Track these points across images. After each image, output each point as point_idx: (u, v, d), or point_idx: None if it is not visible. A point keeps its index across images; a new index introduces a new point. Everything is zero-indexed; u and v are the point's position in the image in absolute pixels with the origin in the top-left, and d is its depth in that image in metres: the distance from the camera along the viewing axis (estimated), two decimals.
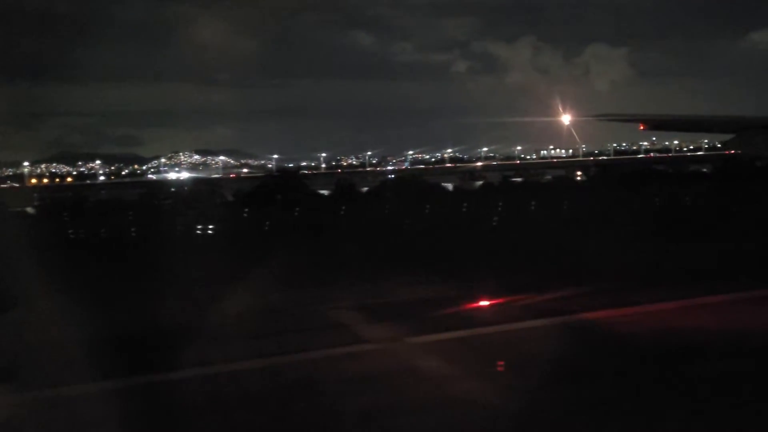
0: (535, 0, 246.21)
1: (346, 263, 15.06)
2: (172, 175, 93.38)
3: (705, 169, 50.56)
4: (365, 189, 41.28)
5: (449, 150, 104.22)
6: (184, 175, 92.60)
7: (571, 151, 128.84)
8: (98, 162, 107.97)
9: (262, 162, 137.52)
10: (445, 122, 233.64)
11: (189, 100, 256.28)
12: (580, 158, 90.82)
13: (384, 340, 9.34)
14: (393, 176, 78.65)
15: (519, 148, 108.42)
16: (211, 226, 22.51)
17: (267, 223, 23.62)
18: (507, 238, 19.62)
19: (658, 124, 15.79)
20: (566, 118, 15.80)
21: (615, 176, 43.27)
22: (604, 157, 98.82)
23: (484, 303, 11.42)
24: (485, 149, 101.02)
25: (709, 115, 16.11)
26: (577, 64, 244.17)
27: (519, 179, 53.88)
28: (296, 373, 8.08)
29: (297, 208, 28.34)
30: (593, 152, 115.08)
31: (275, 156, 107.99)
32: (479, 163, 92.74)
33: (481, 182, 52.21)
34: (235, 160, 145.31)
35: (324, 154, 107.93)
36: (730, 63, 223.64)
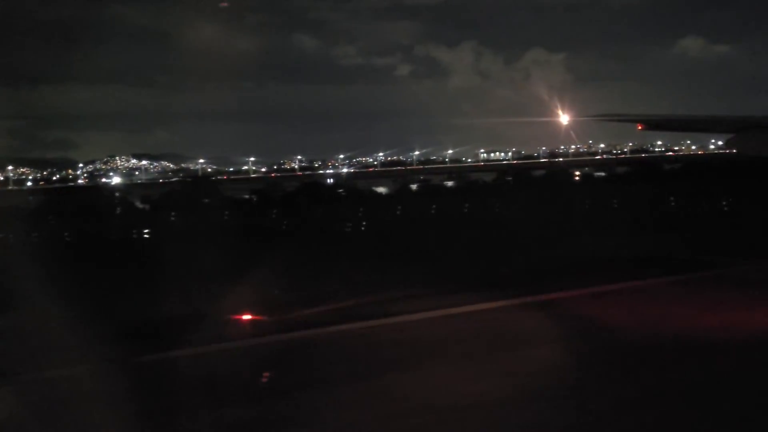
0: (475, 5, 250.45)
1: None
2: (103, 180, 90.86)
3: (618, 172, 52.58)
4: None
5: (380, 153, 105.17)
6: (116, 180, 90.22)
7: (510, 153, 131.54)
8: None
9: (204, 166, 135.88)
10: (391, 125, 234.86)
11: (128, 103, 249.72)
12: (515, 161, 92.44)
13: None
14: (331, 180, 78.87)
15: (453, 150, 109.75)
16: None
17: (141, 231, 23.34)
18: (367, 242, 20.00)
19: (657, 124, 15.80)
20: (564, 119, 15.51)
21: (526, 179, 44.68)
22: (544, 160, 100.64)
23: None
24: (418, 152, 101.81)
25: (708, 115, 16.16)
26: (517, 69, 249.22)
27: (450, 182, 54.84)
28: None
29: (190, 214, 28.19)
30: (532, 155, 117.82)
31: (201, 160, 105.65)
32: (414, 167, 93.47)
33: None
34: (176, 165, 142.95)
35: (252, 159, 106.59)
36: (663, 68, 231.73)
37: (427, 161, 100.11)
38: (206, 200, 34.64)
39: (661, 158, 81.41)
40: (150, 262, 16.26)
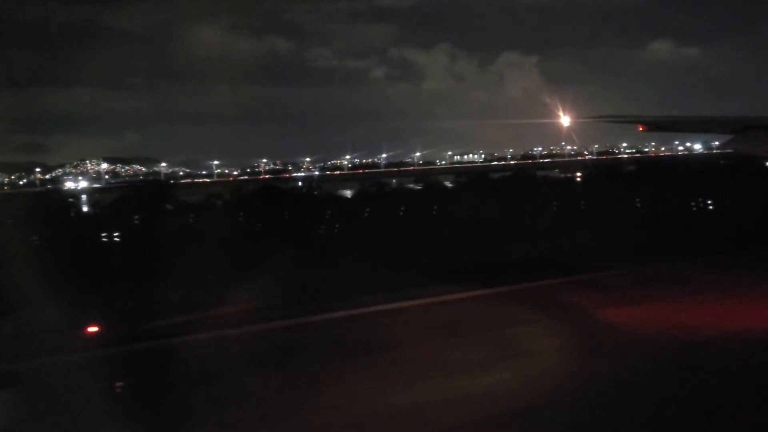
0: (450, 8, 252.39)
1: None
2: (70, 185, 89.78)
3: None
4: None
5: (348, 156, 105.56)
6: (83, 184, 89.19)
7: (484, 156, 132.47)
8: None
9: (175, 169, 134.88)
10: (366, 128, 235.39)
11: (100, 106, 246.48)
12: (483, 163, 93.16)
13: None
14: (301, 183, 78.64)
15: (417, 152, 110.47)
16: None
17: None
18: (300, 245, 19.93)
19: (658, 125, 15.77)
20: (566, 120, 15.51)
21: (484, 182, 44.96)
22: (514, 162, 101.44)
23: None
24: (384, 155, 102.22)
25: (709, 115, 16.21)
26: (491, 71, 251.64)
27: (412, 185, 55.06)
28: None
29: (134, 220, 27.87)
30: (505, 157, 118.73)
31: (163, 164, 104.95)
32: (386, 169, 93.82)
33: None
34: (148, 168, 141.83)
35: (216, 162, 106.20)
36: (634, 70, 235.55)
37: (399, 164, 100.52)
38: (157, 205, 34.21)
39: (624, 160, 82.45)
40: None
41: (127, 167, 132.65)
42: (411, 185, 52.93)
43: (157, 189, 39.92)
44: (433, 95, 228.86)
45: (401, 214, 27.54)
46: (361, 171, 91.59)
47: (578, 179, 50.87)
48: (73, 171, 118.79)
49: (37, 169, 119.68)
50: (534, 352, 10.37)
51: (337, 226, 26.15)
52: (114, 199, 37.15)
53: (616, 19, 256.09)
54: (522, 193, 34.93)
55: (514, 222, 23.54)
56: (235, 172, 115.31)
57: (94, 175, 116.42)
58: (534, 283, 14.58)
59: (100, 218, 32.48)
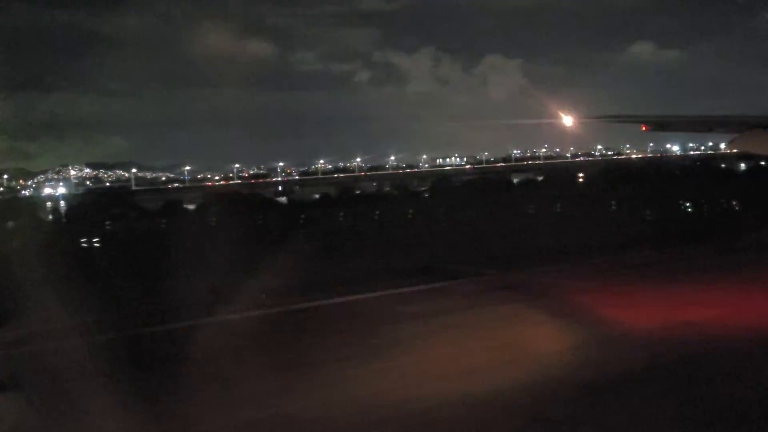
0: (433, 12, 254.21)
1: None
2: (48, 191, 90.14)
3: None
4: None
5: (322, 161, 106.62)
6: (61, 190, 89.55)
7: (465, 159, 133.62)
8: None
9: (157, 175, 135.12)
10: (349, 132, 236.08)
11: (83, 111, 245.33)
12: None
13: None
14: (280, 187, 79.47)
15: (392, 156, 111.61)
16: None
17: None
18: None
19: (661, 125, 15.69)
20: (568, 120, 15.29)
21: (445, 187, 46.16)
22: (484, 165, 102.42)
23: None
24: (358, 159, 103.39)
25: (713, 114, 16.02)
26: (475, 75, 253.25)
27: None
28: None
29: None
30: (488, 159, 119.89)
31: (134, 170, 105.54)
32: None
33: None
34: (131, 174, 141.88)
35: (188, 168, 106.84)
36: (615, 73, 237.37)
37: (376, 168, 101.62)
38: (113, 211, 35.08)
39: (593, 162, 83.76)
40: None
41: (110, 173, 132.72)
42: (367, 191, 54.25)
43: (114, 196, 40.96)
44: (417, 98, 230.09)
45: (339, 219, 28.38)
46: (336, 175, 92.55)
47: (538, 182, 52.10)
48: (55, 177, 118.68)
49: (49, 174, 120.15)
50: None
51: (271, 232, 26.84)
52: (70, 207, 38.20)
53: (598, 22, 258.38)
54: (477, 197, 35.90)
55: (438, 228, 24.57)
56: (217, 177, 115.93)
57: (75, 181, 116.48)
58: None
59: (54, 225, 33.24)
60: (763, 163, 41.15)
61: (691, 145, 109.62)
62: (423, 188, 51.33)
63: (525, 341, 11.20)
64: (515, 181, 55.61)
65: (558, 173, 60.85)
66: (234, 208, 35.50)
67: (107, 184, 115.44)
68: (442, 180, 54.78)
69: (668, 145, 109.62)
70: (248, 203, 40.63)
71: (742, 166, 66.08)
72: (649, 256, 19.17)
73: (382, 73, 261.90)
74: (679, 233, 22.74)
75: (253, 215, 28.69)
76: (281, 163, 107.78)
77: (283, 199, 60.45)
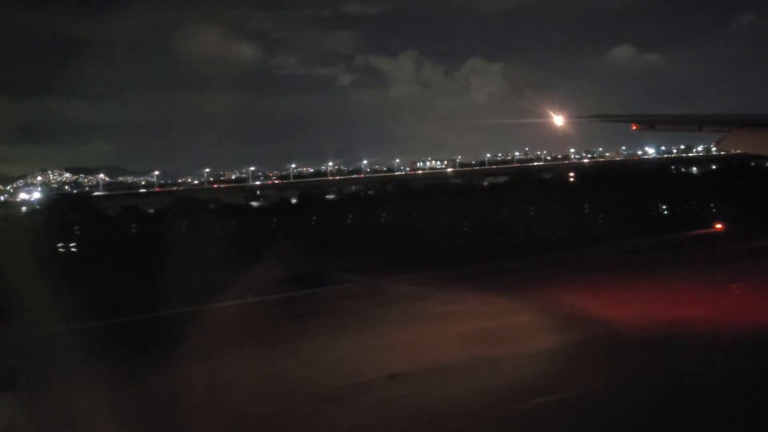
0: (416, 16, 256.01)
1: None
2: (23, 196, 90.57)
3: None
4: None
5: (293, 165, 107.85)
6: (36, 195, 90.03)
7: (446, 163, 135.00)
8: None
9: (139, 179, 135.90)
10: (332, 135, 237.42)
11: (63, 116, 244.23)
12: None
13: None
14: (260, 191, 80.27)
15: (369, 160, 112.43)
16: None
17: None
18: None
19: (651, 124, 15.48)
20: (559, 119, 14.93)
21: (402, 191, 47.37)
22: (458, 169, 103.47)
23: None
24: (331, 163, 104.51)
25: (703, 113, 16.12)
26: (457, 78, 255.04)
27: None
28: None
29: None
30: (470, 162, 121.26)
31: (101, 175, 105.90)
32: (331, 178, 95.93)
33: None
34: (112, 178, 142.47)
35: (156, 172, 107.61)
36: (597, 76, 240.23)
37: (350, 171, 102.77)
38: (69, 217, 35.83)
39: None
40: None
41: (90, 177, 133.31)
42: (332, 195, 55.32)
43: (72, 202, 41.76)
44: (400, 102, 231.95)
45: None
46: (306, 180, 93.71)
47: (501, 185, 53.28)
48: (34, 182, 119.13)
49: (29, 179, 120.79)
50: None
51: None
52: (30, 212, 39.01)
53: (579, 26, 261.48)
54: (432, 201, 37.01)
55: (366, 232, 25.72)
56: (196, 182, 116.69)
57: (54, 185, 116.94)
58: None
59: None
60: (753, 163, 41.62)
61: (662, 148, 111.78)
62: (384, 192, 52.67)
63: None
64: (485, 184, 56.99)
65: (525, 176, 62.02)
66: (191, 213, 36.44)
67: (66, 188, 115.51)
68: (403, 185, 55.84)
69: (647, 148, 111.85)
70: (206, 207, 41.68)
71: (713, 167, 67.90)
72: (527, 262, 20.49)
73: (365, 77, 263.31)
74: (587, 237, 24.16)
75: (206, 220, 29.29)
76: (252, 168, 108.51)
77: (254, 204, 61.55)
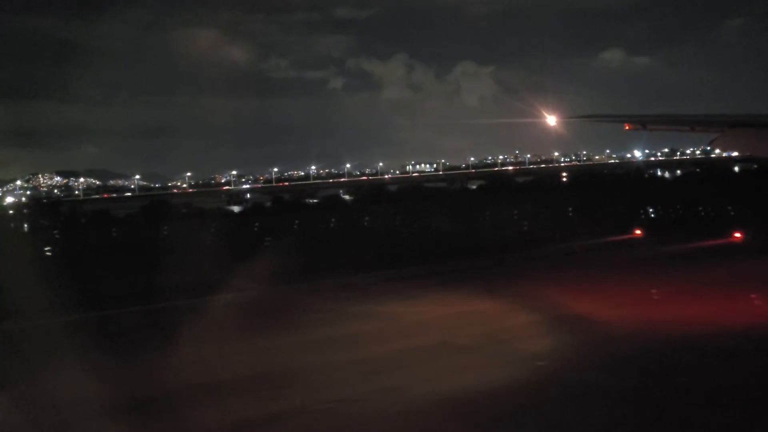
0: (407, 19, 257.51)
1: None
2: (10, 199, 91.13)
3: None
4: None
5: (275, 168, 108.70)
6: (9, 200, 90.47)
7: (435, 166, 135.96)
8: None
9: (126, 183, 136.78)
10: (325, 138, 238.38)
11: (54, 119, 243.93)
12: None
13: None
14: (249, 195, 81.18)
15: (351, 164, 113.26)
16: None
17: None
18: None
19: (644, 124, 15.52)
20: (552, 120, 15.09)
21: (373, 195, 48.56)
22: (440, 173, 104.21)
23: None
24: (313, 167, 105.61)
25: (695, 114, 16.20)
26: (448, 81, 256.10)
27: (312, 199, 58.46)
28: None
29: None
30: (459, 166, 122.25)
31: (81, 179, 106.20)
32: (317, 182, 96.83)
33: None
34: (102, 182, 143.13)
35: (137, 177, 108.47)
36: (586, 79, 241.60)
37: (337, 174, 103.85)
38: (40, 222, 36.69)
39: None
40: None
41: (80, 180, 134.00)
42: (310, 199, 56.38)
43: (45, 207, 42.71)
44: (391, 105, 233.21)
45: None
46: (281, 184, 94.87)
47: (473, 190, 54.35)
48: (25, 185, 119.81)
49: (18, 182, 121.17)
50: None
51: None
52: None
53: (570, 29, 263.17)
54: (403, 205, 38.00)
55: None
56: (185, 185, 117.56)
57: (44, 189, 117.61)
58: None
59: None
60: (739, 168, 42.06)
61: (647, 151, 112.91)
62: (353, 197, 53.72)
63: None
64: (474, 187, 57.94)
65: (499, 180, 63.11)
66: (161, 217, 37.27)
67: (44, 192, 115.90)
68: (378, 188, 56.95)
69: (636, 151, 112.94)
70: (178, 211, 42.57)
71: (678, 172, 69.32)
72: (429, 268, 21.64)
73: (356, 80, 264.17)
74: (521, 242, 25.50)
75: (173, 224, 30.14)
76: (234, 171, 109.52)
77: (235, 208, 62.48)
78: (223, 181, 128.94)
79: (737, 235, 24.88)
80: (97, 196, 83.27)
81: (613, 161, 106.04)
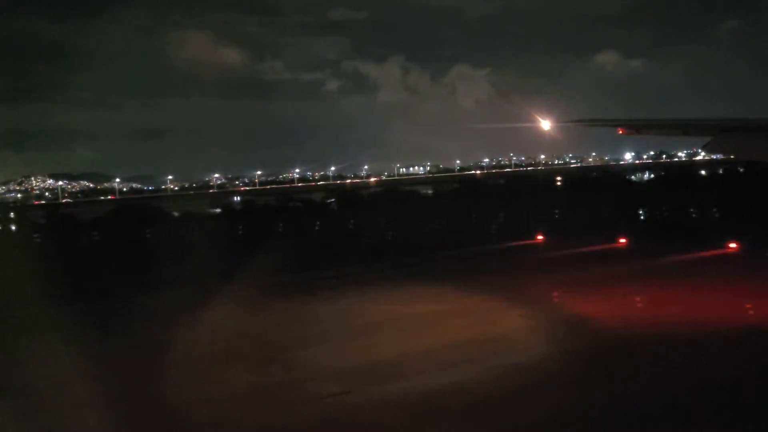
0: (402, 21, 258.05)
1: None
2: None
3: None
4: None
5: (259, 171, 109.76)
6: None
7: (428, 168, 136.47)
8: None
9: (121, 186, 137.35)
10: (319, 140, 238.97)
11: (48, 121, 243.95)
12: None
13: None
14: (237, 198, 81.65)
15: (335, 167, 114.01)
16: None
17: None
18: None
19: (637, 128, 15.68)
20: (546, 124, 15.09)
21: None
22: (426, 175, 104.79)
23: None
24: (297, 170, 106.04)
25: (689, 118, 16.17)
26: (444, 84, 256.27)
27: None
28: None
29: None
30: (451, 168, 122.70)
31: (60, 182, 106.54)
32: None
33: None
34: (97, 184, 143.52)
35: (117, 180, 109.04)
36: (581, 82, 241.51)
37: (321, 178, 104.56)
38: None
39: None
40: None
41: (73, 183, 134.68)
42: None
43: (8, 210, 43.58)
44: (386, 107, 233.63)
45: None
46: (266, 187, 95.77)
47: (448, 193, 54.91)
48: (17, 188, 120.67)
49: (11, 185, 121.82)
50: None
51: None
52: None
53: (565, 32, 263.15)
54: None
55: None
56: (176, 188, 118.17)
57: (36, 192, 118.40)
58: None
59: None
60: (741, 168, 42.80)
61: (633, 153, 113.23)
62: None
63: None
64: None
65: (470, 184, 63.57)
66: (127, 221, 37.85)
67: (34, 195, 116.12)
68: (349, 192, 57.40)
69: (627, 154, 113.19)
70: (146, 214, 43.11)
71: (647, 175, 69.51)
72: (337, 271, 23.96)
73: (352, 82, 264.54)
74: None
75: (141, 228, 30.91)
76: (217, 174, 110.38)
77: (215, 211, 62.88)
78: (212, 183, 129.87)
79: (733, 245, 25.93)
80: (74, 201, 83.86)
81: (604, 163, 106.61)
